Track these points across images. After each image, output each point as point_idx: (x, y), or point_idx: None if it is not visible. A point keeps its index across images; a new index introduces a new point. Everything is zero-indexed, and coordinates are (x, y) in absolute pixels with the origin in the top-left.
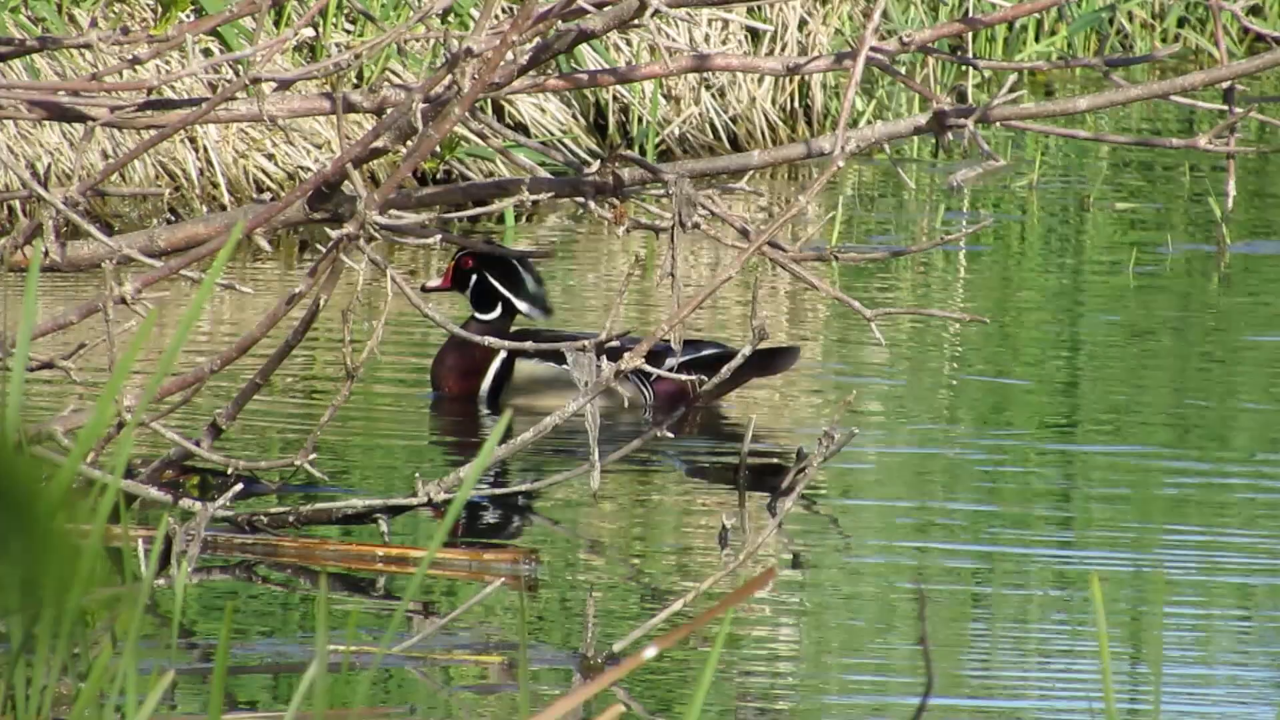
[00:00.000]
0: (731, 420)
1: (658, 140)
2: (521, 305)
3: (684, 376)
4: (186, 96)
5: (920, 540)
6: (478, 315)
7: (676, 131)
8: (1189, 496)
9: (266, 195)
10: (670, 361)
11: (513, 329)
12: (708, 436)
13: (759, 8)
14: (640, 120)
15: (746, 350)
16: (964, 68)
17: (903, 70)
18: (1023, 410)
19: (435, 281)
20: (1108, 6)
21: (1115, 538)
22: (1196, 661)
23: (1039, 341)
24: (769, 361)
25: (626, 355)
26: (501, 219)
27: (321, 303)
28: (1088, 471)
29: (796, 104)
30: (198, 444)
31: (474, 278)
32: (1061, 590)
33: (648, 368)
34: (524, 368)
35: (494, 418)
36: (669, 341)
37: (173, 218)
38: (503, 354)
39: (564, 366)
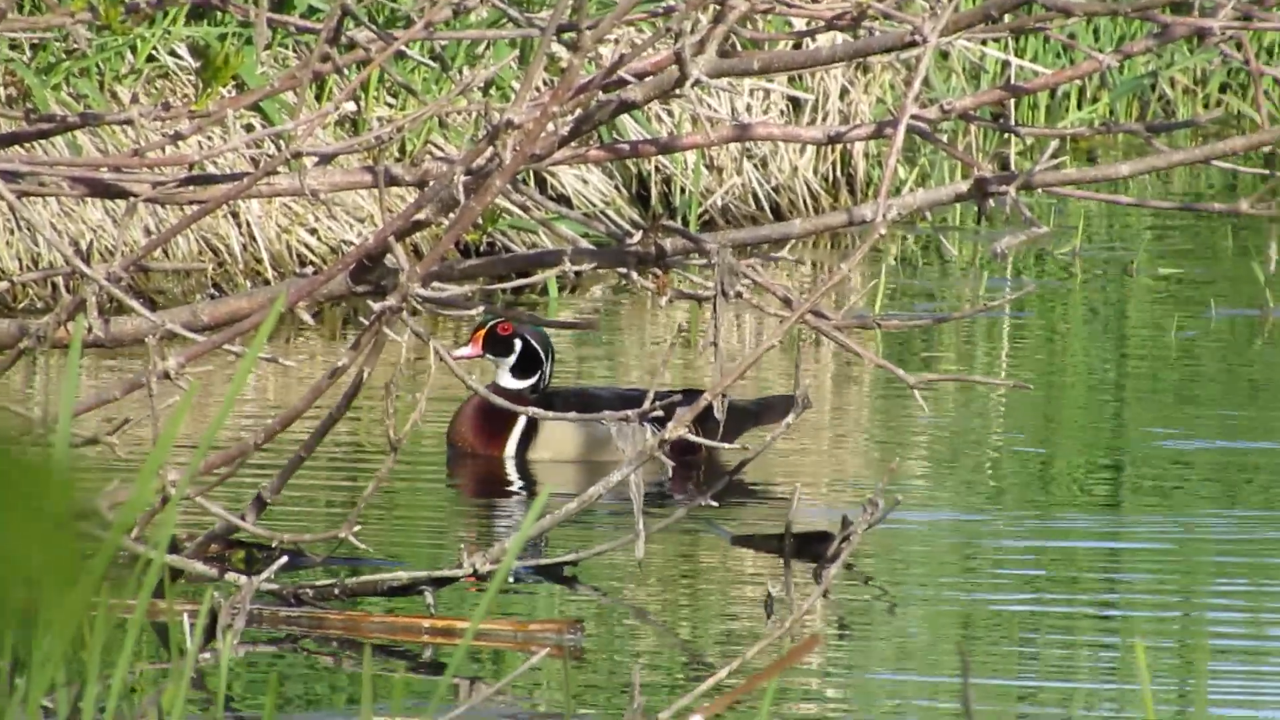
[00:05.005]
0: (776, 488)
1: (700, 210)
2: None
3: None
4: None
5: (966, 606)
6: (510, 382)
7: (719, 201)
8: (1234, 564)
9: (309, 269)
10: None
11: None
12: (752, 505)
13: (800, 77)
14: (682, 190)
15: (790, 419)
16: (1006, 135)
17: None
18: (1066, 475)
19: (465, 350)
20: (1150, 73)
21: (1162, 600)
22: None
23: (1082, 407)
24: (770, 411)
25: (670, 424)
26: (545, 290)
27: (365, 376)
28: (1133, 534)
29: (839, 173)
30: (242, 518)
31: (519, 343)
32: (1108, 652)
33: (693, 437)
34: (551, 424)
35: (526, 479)
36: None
37: (216, 293)
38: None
39: (592, 420)
